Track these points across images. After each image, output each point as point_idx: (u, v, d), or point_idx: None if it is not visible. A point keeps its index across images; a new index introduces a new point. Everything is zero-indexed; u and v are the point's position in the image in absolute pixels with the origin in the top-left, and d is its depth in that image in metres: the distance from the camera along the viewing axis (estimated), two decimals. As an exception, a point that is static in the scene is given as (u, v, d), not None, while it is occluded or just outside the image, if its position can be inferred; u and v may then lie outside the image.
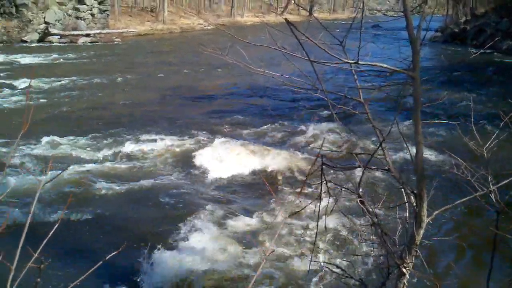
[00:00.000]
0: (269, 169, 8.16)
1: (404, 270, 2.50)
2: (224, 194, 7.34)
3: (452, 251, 5.77)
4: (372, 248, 2.98)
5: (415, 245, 2.49)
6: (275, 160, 8.44)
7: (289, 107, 13.11)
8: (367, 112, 2.57)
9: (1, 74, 16.77)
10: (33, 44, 26.58)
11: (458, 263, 5.46)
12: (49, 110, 12.22)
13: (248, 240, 5.75)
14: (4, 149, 8.67)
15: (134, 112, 12.41)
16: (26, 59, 20.84)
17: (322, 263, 4.70)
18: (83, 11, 30.85)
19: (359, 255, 5.09)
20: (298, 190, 7.10)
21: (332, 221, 5.81)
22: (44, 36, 27.90)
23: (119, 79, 17.22)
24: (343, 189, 2.86)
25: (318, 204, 2.63)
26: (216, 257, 5.33)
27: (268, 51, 2.87)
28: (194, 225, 6.08)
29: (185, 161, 8.69)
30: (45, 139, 9.32)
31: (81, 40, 28.58)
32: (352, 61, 2.33)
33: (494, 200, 2.59)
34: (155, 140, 9.59)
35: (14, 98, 13.21)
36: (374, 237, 2.68)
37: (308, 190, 6.96)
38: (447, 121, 3.43)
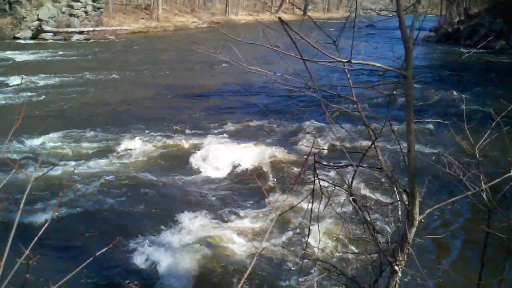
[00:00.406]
0: (261, 167, 8.16)
1: (396, 268, 2.51)
2: (216, 192, 7.34)
3: (444, 249, 5.81)
4: (364, 246, 2.99)
5: (407, 243, 2.50)
6: (267, 158, 8.44)
7: (282, 105, 13.11)
8: (360, 111, 2.58)
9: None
10: (26, 41, 26.38)
11: (449, 261, 5.51)
12: (41, 107, 12.17)
13: (239, 237, 5.75)
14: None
15: (127, 110, 12.38)
16: (19, 56, 20.68)
17: (314, 261, 4.71)
18: (77, 8, 30.67)
19: (351, 253, 5.10)
20: (290, 188, 7.11)
21: (324, 219, 5.82)
22: (37, 33, 27.71)
23: (112, 76, 17.16)
24: (336, 187, 2.87)
25: (311, 202, 2.64)
26: (207, 254, 5.33)
27: (262, 50, 2.86)
28: (185, 222, 6.08)
29: (177, 158, 8.69)
30: (36, 136, 9.29)
31: (75, 38, 28.44)
32: (345, 60, 2.33)
33: (485, 198, 2.61)
34: (147, 138, 9.57)
35: (6, 95, 13.14)
36: (366, 235, 2.69)
37: (300, 188, 6.97)
38: (439, 120, 3.44)
